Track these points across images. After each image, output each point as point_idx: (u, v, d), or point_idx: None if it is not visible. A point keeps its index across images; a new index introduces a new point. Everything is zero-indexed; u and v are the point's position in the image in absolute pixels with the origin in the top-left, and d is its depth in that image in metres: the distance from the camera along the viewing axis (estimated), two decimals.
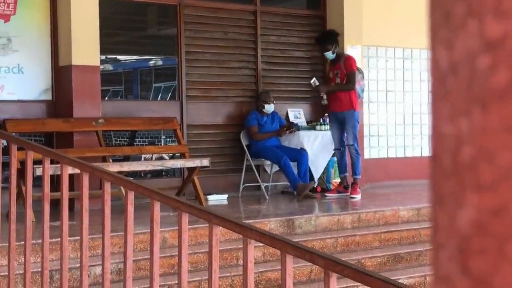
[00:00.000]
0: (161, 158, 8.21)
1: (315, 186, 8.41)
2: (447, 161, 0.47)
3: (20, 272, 4.11)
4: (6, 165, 4.54)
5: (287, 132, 8.36)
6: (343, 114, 8.00)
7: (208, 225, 3.02)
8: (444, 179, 0.47)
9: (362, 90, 8.36)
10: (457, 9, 0.47)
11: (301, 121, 8.81)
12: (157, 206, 3.22)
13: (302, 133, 8.45)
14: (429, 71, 0.50)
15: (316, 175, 8.45)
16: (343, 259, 5.52)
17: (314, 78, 8.22)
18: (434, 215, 0.48)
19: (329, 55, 8.10)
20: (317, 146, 8.48)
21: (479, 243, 0.45)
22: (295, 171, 8.13)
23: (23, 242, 3.94)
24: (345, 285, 5.22)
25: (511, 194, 0.43)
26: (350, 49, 8.84)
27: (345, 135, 8.06)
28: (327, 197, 8.14)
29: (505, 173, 0.44)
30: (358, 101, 8.15)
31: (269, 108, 8.29)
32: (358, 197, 7.97)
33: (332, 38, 8.12)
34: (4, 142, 4.57)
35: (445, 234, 0.47)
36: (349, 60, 8.09)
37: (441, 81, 0.48)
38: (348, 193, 8.12)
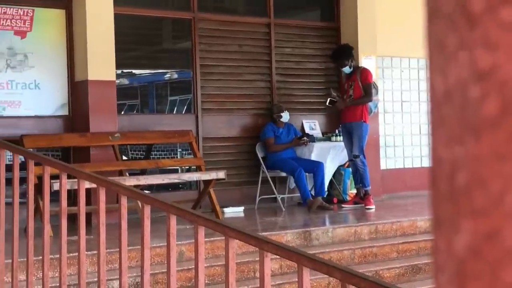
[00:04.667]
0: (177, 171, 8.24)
1: (324, 196, 8.42)
2: (444, 186, 0.48)
3: (39, 287, 4.13)
4: (24, 180, 4.57)
5: (303, 143, 8.35)
6: (352, 124, 8.01)
7: (224, 238, 3.03)
8: (441, 203, 0.48)
9: (375, 106, 8.36)
10: (449, 40, 0.48)
11: (317, 132, 8.81)
12: (173, 220, 3.23)
13: (317, 144, 8.45)
14: (428, 96, 0.51)
15: (324, 187, 8.46)
16: (361, 270, 5.49)
17: (331, 91, 8.28)
18: (434, 238, 0.49)
19: (347, 69, 8.13)
20: (328, 157, 8.49)
21: (475, 267, 0.45)
22: (311, 183, 8.13)
23: (41, 257, 3.96)
24: None
25: (503, 221, 0.44)
26: (365, 60, 8.84)
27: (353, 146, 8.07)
28: (343, 208, 8.12)
29: (497, 200, 0.45)
30: (368, 115, 8.15)
31: (286, 116, 8.30)
32: (373, 207, 7.95)
33: (348, 53, 8.14)
34: (22, 157, 4.61)
35: (443, 257, 0.48)
36: (365, 72, 8.10)
37: (437, 107, 0.49)
38: (362, 204, 8.11)
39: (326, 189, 8.45)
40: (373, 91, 8.16)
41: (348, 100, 8.07)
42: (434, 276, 0.49)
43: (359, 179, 8.06)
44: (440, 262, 0.48)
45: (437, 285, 0.48)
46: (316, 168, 8.13)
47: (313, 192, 8.11)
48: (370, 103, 8.14)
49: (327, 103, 8.18)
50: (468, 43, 0.47)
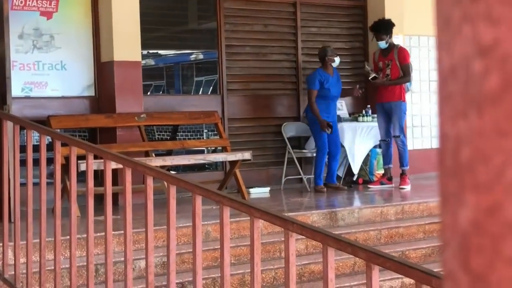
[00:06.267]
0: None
1: (354, 179, 8.37)
2: (449, 161, 0.49)
3: (66, 266, 4.17)
4: (51, 161, 4.60)
5: (358, 93, 8.19)
6: (390, 104, 7.95)
7: (249, 218, 3.03)
8: (447, 179, 0.49)
9: (410, 83, 8.29)
10: (454, 14, 0.49)
11: (343, 112, 8.76)
12: (199, 200, 3.24)
13: (344, 125, 8.40)
14: (436, 73, 0.52)
15: (355, 168, 8.39)
16: (387, 251, 5.48)
17: (366, 66, 8.19)
18: (441, 213, 0.50)
19: (382, 44, 8.04)
20: (357, 138, 8.42)
21: (477, 241, 0.46)
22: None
23: (68, 237, 4.00)
24: (389, 277, 5.19)
25: (505, 195, 0.45)
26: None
27: (392, 126, 8.00)
28: (370, 189, 8.09)
29: (498, 174, 0.45)
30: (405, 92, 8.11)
31: (338, 61, 8.07)
32: (407, 187, 7.92)
33: (388, 27, 8.05)
34: (49, 138, 4.64)
35: (449, 232, 0.49)
36: (403, 52, 8.03)
37: (443, 83, 0.50)
38: (392, 185, 8.07)
39: (357, 170, 8.40)
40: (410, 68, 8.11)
41: (385, 79, 8.02)
42: (442, 252, 0.50)
43: (400, 159, 8.00)
44: (446, 237, 0.50)
45: (443, 260, 0.50)
46: (334, 153, 8.01)
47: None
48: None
49: (369, 78, 8.10)
50: (471, 16, 0.48)
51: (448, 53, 0.49)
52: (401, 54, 8.00)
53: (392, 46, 8.06)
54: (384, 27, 8.05)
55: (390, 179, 8.14)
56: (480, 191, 0.46)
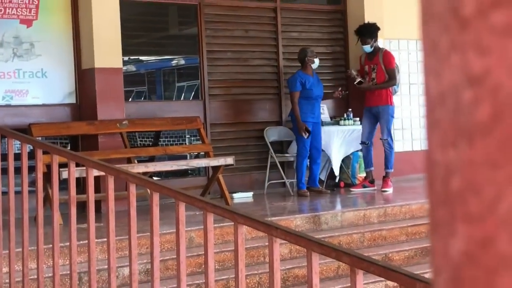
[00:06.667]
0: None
1: (336, 181, 8.40)
2: (439, 189, 0.47)
3: (49, 275, 4.15)
4: (33, 169, 4.58)
5: (339, 94, 8.18)
6: (378, 108, 8.00)
7: (233, 224, 3.03)
8: (438, 206, 0.48)
9: (398, 86, 8.32)
10: (442, 42, 0.47)
11: (325, 116, 8.79)
12: (182, 207, 3.24)
13: (325, 128, 8.42)
14: (423, 98, 0.51)
15: (336, 170, 8.42)
16: (370, 254, 5.50)
17: (351, 70, 8.20)
18: (432, 240, 0.49)
19: (367, 48, 8.09)
20: (338, 142, 8.46)
21: (470, 273, 0.45)
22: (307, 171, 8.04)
23: (51, 245, 3.98)
24: (372, 280, 5.21)
25: (498, 228, 0.44)
26: None
27: (376, 129, 8.06)
28: (352, 192, 8.12)
29: (491, 206, 0.44)
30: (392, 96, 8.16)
31: (317, 62, 8.08)
32: (390, 190, 7.96)
33: (373, 32, 8.09)
34: (30, 146, 4.62)
35: (440, 260, 0.47)
36: (388, 56, 8.07)
37: (432, 109, 0.49)
38: (374, 187, 8.10)
39: (337, 173, 8.43)
40: (396, 71, 8.13)
41: (371, 83, 8.06)
42: (433, 277, 0.49)
43: (385, 161, 8.04)
44: (437, 264, 0.48)
45: (435, 286, 0.48)
46: (315, 156, 8.03)
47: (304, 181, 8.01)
48: None
49: (355, 83, 8.14)
50: (460, 45, 0.46)
51: (436, 80, 0.48)
52: (386, 58, 8.04)
53: (377, 50, 8.11)
54: (369, 31, 8.09)
55: (372, 182, 8.18)
56: (472, 223, 0.45)
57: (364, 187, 8.19)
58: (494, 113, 0.44)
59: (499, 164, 0.44)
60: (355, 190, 8.18)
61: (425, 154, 0.50)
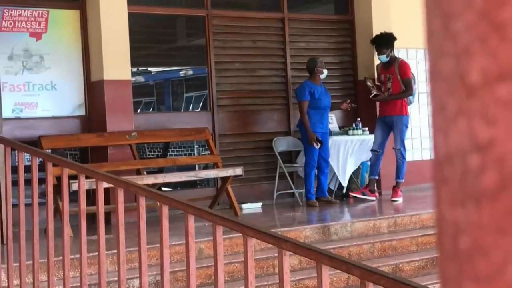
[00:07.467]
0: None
1: (344, 192, 8.39)
2: (448, 245, 0.48)
3: (60, 287, 4.16)
4: (43, 181, 4.60)
5: (347, 106, 8.18)
6: (392, 118, 7.98)
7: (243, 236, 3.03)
8: (447, 262, 0.48)
9: (413, 96, 8.26)
10: (449, 103, 0.48)
11: (334, 126, 8.78)
12: (191, 219, 3.25)
13: (334, 138, 8.41)
14: (432, 151, 0.50)
15: (344, 181, 8.40)
16: (381, 264, 5.48)
17: (368, 81, 8.18)
18: None
19: (383, 58, 8.08)
20: (348, 152, 8.44)
21: None
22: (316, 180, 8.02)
23: (61, 258, 3.99)
24: None
25: None
26: None
27: (388, 138, 8.03)
28: (350, 196, 8.15)
29: (499, 270, 0.44)
30: (407, 106, 8.13)
31: (326, 73, 8.07)
32: (399, 200, 7.92)
33: (389, 41, 8.08)
34: (41, 158, 4.64)
35: None
36: (404, 66, 8.02)
37: (440, 166, 0.49)
38: (373, 198, 8.06)
39: (345, 184, 8.42)
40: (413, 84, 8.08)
41: (386, 94, 8.04)
42: None
43: (397, 171, 8.00)
44: None
45: None
46: (323, 167, 8.00)
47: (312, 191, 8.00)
48: None
49: (370, 96, 8.12)
50: (467, 112, 0.47)
51: (444, 140, 0.48)
52: (402, 68, 8.00)
53: (393, 60, 8.08)
54: (385, 40, 8.08)
55: (372, 191, 8.11)
56: (480, 283, 0.45)
57: (364, 194, 8.13)
58: (500, 182, 0.44)
59: (506, 230, 0.44)
60: (354, 194, 8.16)
61: (435, 209, 0.49)
